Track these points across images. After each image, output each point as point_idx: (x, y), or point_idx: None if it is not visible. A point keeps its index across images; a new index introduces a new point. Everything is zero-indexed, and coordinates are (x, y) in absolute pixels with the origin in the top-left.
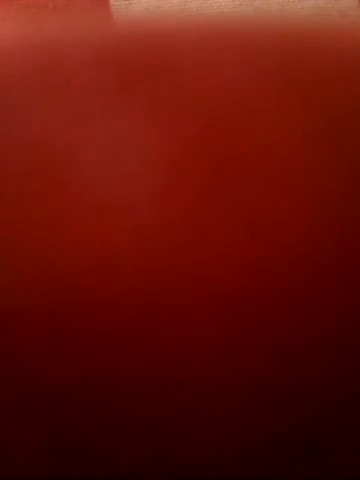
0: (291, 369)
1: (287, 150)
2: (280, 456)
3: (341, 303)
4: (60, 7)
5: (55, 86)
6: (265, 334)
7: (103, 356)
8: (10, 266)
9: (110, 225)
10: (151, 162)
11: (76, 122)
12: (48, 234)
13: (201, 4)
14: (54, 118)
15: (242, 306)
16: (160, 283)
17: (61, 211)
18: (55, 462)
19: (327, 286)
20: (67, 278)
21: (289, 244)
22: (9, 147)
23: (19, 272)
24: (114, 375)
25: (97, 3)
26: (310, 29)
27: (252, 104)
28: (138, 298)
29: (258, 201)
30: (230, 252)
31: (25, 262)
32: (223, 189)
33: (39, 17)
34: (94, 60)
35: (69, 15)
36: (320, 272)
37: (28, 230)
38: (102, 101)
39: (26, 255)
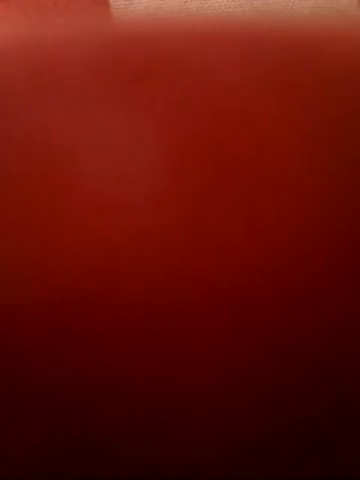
0: (290, 368)
1: (287, 150)
2: (279, 456)
3: (341, 302)
4: (60, 7)
5: (55, 86)
6: (264, 333)
7: (103, 355)
8: (10, 265)
9: (109, 224)
10: (151, 162)
11: (76, 122)
12: (48, 234)
13: (201, 4)
14: (54, 118)
15: (242, 306)
16: (160, 282)
17: (61, 211)
18: (55, 461)
19: (327, 286)
20: (67, 278)
21: (289, 244)
22: (9, 147)
23: (19, 271)
24: (114, 374)
25: (97, 3)
26: (310, 29)
27: (252, 104)
28: (138, 297)
29: (258, 201)
30: (230, 252)
31: (25, 262)
32: (223, 189)
33: (39, 17)
34: (94, 60)
35: (69, 15)
36: (320, 272)
37: (28, 230)
38: (102, 101)
39: (26, 255)
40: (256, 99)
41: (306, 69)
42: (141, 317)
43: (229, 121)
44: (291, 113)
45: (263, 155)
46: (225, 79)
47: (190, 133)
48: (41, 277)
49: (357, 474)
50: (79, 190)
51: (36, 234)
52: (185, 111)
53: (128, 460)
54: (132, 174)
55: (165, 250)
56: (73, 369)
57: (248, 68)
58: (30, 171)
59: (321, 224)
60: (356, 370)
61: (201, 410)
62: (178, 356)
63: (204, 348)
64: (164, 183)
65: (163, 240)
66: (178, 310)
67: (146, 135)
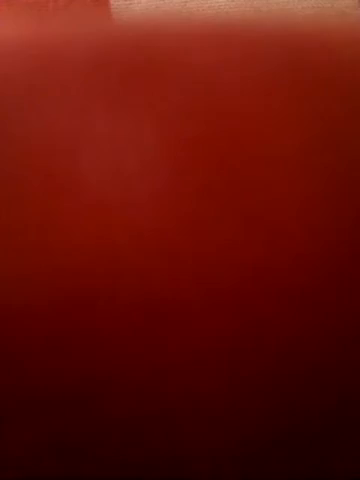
0: (291, 368)
1: (287, 150)
2: (279, 455)
3: (340, 302)
4: (60, 7)
5: (55, 86)
6: (265, 333)
7: (104, 355)
8: (11, 266)
9: (110, 224)
10: (151, 162)
11: (76, 122)
12: (48, 234)
13: (201, 4)
14: (54, 118)
15: (242, 305)
16: (160, 282)
17: (61, 211)
18: (56, 462)
19: (326, 286)
20: (68, 278)
21: (289, 244)
22: (9, 147)
23: (19, 272)
24: (115, 374)
25: (97, 3)
26: (310, 29)
27: (252, 104)
28: (138, 298)
29: (259, 201)
30: (230, 251)
31: (26, 262)
32: (223, 189)
33: (39, 17)
34: (94, 60)
35: (69, 15)
36: (320, 272)
37: (28, 230)
38: (102, 101)
39: (26, 255)
40: (256, 99)
41: (307, 69)
42: (142, 317)
43: (229, 121)
44: (291, 113)
45: (263, 155)
46: (225, 79)
47: (190, 133)
48: (41, 277)
49: (357, 475)
50: (79, 190)
51: (36, 234)
52: (185, 111)
53: (130, 459)
54: (132, 174)
55: (165, 250)
56: (73, 369)
57: (248, 68)
58: (30, 171)
59: (323, 224)
60: (356, 370)
61: (201, 410)
62: (178, 356)
63: (204, 348)
64: (164, 183)
65: (163, 240)
66: (179, 309)
67: (146, 135)
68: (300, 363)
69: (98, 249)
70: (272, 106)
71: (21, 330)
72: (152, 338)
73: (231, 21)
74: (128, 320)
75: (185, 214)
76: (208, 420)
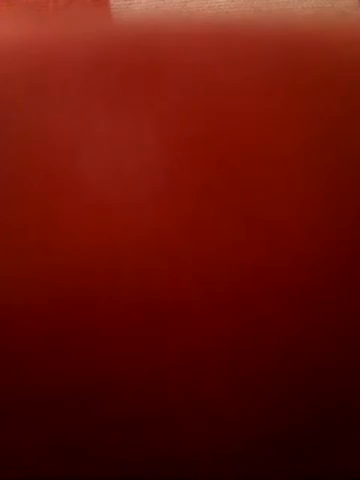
0: (291, 368)
1: (287, 150)
2: (280, 456)
3: (340, 302)
4: (60, 7)
5: (55, 86)
6: (265, 333)
7: (104, 355)
8: (11, 266)
9: (110, 225)
10: (151, 162)
11: (76, 122)
12: (48, 234)
13: (201, 4)
14: (54, 118)
15: (242, 305)
16: (160, 282)
17: (61, 210)
18: (56, 462)
19: (327, 286)
20: (68, 278)
21: (289, 244)
22: (9, 147)
23: (19, 272)
24: (115, 374)
25: (97, 3)
26: (310, 29)
27: (252, 104)
28: (139, 298)
29: (258, 201)
30: (230, 251)
31: (26, 262)
32: (224, 189)
33: (39, 17)
34: (94, 60)
35: (69, 15)
36: (320, 272)
37: (28, 230)
38: (102, 101)
39: (26, 255)
40: (256, 99)
41: (307, 69)
42: (142, 317)
43: (229, 121)
44: (291, 113)
45: (263, 155)
46: (225, 79)
47: (190, 133)
48: (41, 277)
49: (357, 475)
50: (79, 190)
51: (36, 234)
52: (185, 111)
53: (128, 460)
54: (132, 174)
55: (165, 250)
56: (73, 369)
57: (248, 68)
58: (30, 171)
59: (323, 224)
60: (356, 370)
61: (201, 410)
62: (178, 356)
63: (204, 348)
64: (164, 183)
65: (163, 240)
66: (179, 310)
67: (146, 135)
68: (300, 363)
69: (98, 249)
70: (272, 106)
71: (21, 330)
72: (152, 338)
73: (231, 21)
74: (128, 320)
75: (185, 214)
76: (208, 420)
